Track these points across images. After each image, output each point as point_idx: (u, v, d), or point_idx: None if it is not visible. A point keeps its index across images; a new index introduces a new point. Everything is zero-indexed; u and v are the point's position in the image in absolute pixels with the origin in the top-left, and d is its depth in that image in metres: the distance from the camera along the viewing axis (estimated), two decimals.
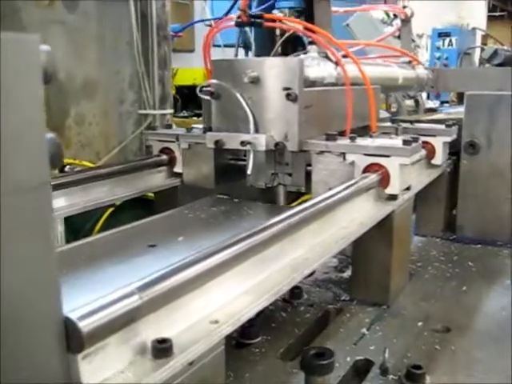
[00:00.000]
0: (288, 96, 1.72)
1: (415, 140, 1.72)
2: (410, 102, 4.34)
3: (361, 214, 1.53)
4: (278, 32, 4.81)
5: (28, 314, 0.61)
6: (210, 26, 4.44)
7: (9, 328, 0.59)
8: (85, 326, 0.66)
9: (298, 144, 1.75)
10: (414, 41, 3.38)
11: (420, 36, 8.01)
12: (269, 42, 4.58)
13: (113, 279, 1.09)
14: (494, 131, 2.25)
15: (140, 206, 2.24)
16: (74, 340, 0.66)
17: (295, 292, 1.72)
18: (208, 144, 1.81)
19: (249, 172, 1.76)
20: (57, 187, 1.60)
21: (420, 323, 1.58)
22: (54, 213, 1.16)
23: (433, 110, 4.91)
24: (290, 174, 1.91)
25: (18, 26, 2.27)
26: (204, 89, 1.84)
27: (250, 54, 4.88)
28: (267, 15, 2.19)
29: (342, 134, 1.83)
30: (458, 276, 1.95)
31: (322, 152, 1.76)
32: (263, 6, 4.19)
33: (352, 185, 1.53)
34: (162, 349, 0.74)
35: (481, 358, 1.41)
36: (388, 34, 3.74)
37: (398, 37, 3.80)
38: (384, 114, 3.38)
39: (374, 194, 1.65)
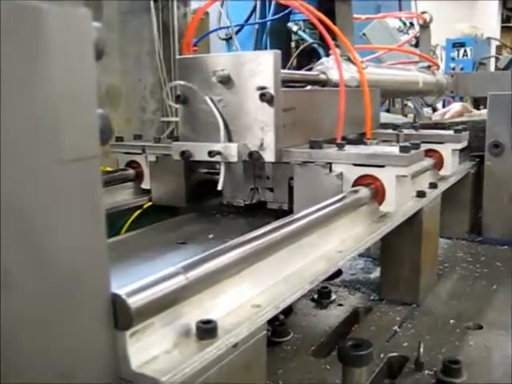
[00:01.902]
0: (262, 96, 1.48)
1: (415, 146, 1.48)
2: (427, 109, 4.33)
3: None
4: (293, 44, 4.84)
5: (78, 288, 0.62)
6: (226, 38, 4.50)
7: (60, 304, 0.60)
8: (133, 302, 0.66)
9: (275, 153, 1.51)
10: (432, 49, 3.38)
11: (434, 47, 8.00)
12: (284, 53, 4.59)
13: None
14: None
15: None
16: (122, 316, 0.66)
17: (323, 291, 1.70)
18: (174, 155, 1.61)
19: (219, 187, 1.55)
20: None
21: (452, 321, 1.56)
22: None
23: None
24: (271, 189, 1.69)
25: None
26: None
27: None
28: None
29: (332, 141, 1.61)
30: (487, 276, 1.93)
31: (304, 163, 1.52)
32: (277, 16, 4.23)
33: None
34: (207, 330, 0.74)
35: None
36: (405, 41, 3.75)
37: (415, 45, 3.81)
38: (403, 119, 3.38)
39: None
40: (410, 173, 1.46)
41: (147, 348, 0.69)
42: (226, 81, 1.52)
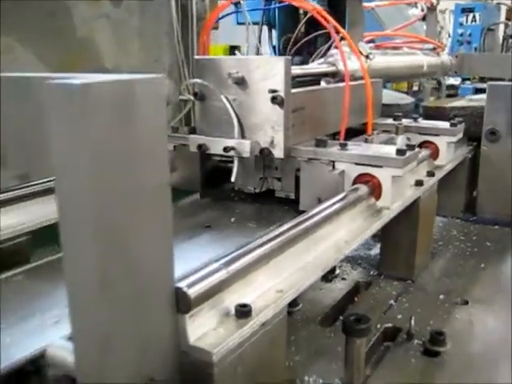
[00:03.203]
0: (274, 99, 1.61)
1: (411, 148, 1.64)
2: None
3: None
4: (301, 11, 4.92)
5: (153, 284, 0.82)
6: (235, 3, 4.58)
7: (141, 297, 0.80)
8: (191, 292, 0.87)
9: (284, 151, 1.66)
10: (439, 27, 3.48)
11: (443, 12, 7.97)
12: (292, 20, 4.68)
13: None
14: None
15: None
16: (183, 303, 0.87)
17: None
18: (191, 148, 1.74)
19: (233, 179, 1.69)
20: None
21: (441, 296, 1.77)
22: None
23: (454, 88, 5.00)
24: (279, 179, 1.83)
25: (69, 22, 2.46)
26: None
27: (274, 32, 5.02)
28: None
29: (337, 135, 1.79)
30: (477, 254, 2.14)
31: (310, 159, 1.67)
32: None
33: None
34: (243, 312, 0.95)
35: (496, 328, 1.61)
36: (414, 20, 3.84)
37: (424, 18, 3.90)
38: (407, 99, 3.53)
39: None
40: (405, 173, 1.61)
41: (200, 326, 0.90)
42: (241, 82, 1.65)
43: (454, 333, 1.53)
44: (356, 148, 1.66)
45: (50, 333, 1.01)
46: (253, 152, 1.66)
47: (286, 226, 1.19)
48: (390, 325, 1.59)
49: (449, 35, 8.01)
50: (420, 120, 2.23)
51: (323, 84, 2.13)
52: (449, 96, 4.07)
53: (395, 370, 1.39)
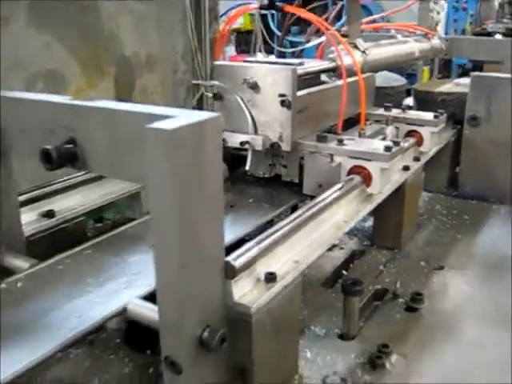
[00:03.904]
0: (282, 102, 1.89)
1: (396, 144, 1.94)
2: None
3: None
4: None
5: (210, 260, 1.16)
6: None
7: (203, 269, 1.13)
8: (236, 264, 1.21)
9: (291, 145, 1.96)
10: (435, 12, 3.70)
11: None
12: None
13: None
14: (493, 108, 2.71)
15: None
16: (230, 272, 1.21)
17: None
18: None
19: (247, 168, 1.98)
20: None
21: (422, 263, 2.13)
22: None
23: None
24: (285, 166, 2.11)
25: (97, 18, 2.73)
26: None
27: None
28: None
29: (335, 126, 2.08)
30: (455, 226, 2.49)
31: (312, 152, 1.96)
32: None
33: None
34: (271, 278, 1.30)
35: (465, 290, 1.96)
36: (410, 3, 4.08)
37: None
38: (401, 81, 3.82)
39: None
40: (391, 165, 1.90)
41: (241, 289, 1.25)
42: (254, 86, 1.94)
43: (431, 293, 1.89)
44: (351, 143, 1.96)
45: (123, 295, 1.35)
46: (264, 145, 1.96)
47: (297, 213, 1.54)
48: (379, 287, 1.94)
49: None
50: (408, 111, 2.54)
51: (324, 78, 2.43)
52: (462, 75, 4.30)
53: (383, 323, 1.74)
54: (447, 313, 1.81)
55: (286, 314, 1.35)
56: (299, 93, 1.98)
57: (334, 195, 1.70)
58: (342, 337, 1.65)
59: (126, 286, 1.39)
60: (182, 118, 1.04)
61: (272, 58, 2.90)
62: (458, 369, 1.53)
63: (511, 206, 2.68)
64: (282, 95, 1.90)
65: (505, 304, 1.83)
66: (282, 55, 6.84)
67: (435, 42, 3.63)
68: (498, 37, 5.23)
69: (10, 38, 2.26)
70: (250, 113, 1.96)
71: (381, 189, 1.90)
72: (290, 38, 8.24)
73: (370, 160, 1.87)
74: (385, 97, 3.34)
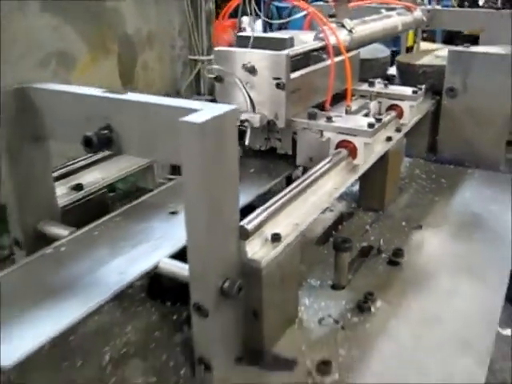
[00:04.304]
0: (277, 85, 2.07)
1: (379, 120, 2.17)
2: None
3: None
4: None
5: (228, 224, 1.41)
6: None
7: (223, 232, 1.39)
8: (249, 228, 1.48)
9: (285, 122, 2.15)
10: None
11: None
12: None
13: None
14: (469, 80, 2.96)
15: None
16: (244, 234, 1.47)
17: None
18: None
19: (246, 143, 2.12)
20: None
21: (403, 223, 2.41)
22: None
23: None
24: (279, 140, 2.31)
25: None
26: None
27: None
28: None
29: (324, 103, 2.29)
30: (433, 190, 2.76)
31: (304, 129, 2.18)
32: None
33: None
34: (276, 238, 1.56)
35: (440, 246, 2.25)
36: None
37: None
38: (385, 52, 4.03)
39: None
40: (374, 141, 2.13)
41: (252, 248, 1.52)
42: (252, 70, 2.11)
43: (410, 249, 2.18)
44: (338, 120, 2.18)
45: (154, 255, 1.61)
46: (261, 123, 2.15)
47: (294, 184, 1.80)
48: (365, 244, 2.22)
49: None
50: (389, 86, 2.76)
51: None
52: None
53: (368, 275, 2.02)
54: (424, 265, 2.09)
55: (288, 268, 1.62)
56: (292, 75, 2.19)
57: (325, 167, 1.96)
58: (333, 287, 1.92)
59: (153, 248, 1.65)
60: (207, 111, 1.28)
61: (258, 23, 3.07)
62: (433, 312, 1.81)
63: (485, 170, 2.97)
64: (276, 78, 2.09)
65: (475, 257, 2.13)
66: (268, 25, 6.95)
67: (417, 13, 3.84)
68: None
69: (27, 24, 2.45)
70: (248, 94, 2.14)
71: (365, 160, 2.14)
72: (276, 3, 8.33)
73: (355, 135, 2.10)
74: (371, 68, 3.55)
